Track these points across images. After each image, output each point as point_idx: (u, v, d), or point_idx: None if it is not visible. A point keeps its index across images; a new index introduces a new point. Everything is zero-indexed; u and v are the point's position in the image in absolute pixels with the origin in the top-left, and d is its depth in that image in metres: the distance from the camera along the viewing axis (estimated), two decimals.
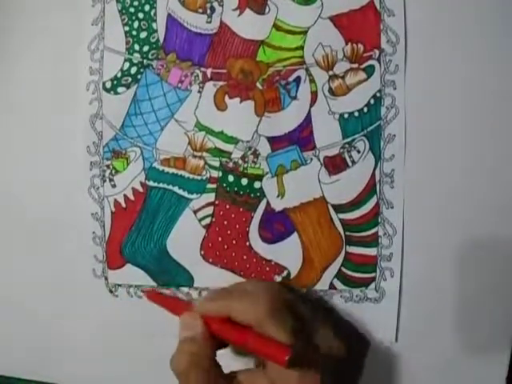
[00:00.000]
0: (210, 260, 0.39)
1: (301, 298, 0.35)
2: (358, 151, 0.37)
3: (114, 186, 0.40)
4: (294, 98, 0.37)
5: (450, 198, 0.37)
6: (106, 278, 0.40)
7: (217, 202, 0.39)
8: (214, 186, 0.39)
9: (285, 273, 0.38)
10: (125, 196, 0.40)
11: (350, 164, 0.37)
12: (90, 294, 0.40)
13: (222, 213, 0.39)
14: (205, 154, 0.39)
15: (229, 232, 0.39)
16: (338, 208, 0.38)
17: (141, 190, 0.39)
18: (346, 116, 0.37)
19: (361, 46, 0.37)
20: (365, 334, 0.37)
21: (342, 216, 0.38)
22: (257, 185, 0.38)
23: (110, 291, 0.40)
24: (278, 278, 0.38)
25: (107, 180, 0.40)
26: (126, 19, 0.39)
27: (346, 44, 0.37)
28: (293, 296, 0.34)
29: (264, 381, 0.30)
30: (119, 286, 0.40)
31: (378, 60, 0.37)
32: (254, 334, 0.30)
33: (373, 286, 0.37)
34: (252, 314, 0.30)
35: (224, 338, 0.32)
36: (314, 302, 0.37)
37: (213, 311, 0.32)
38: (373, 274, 0.37)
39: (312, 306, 0.33)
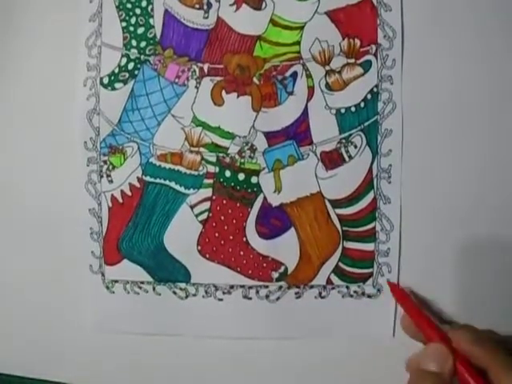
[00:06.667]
0: (207, 255, 0.39)
1: None
2: (355, 146, 0.37)
3: (111, 181, 0.40)
4: (291, 93, 0.37)
5: (447, 192, 0.36)
6: (103, 274, 0.40)
7: (214, 198, 0.39)
8: (210, 181, 0.39)
9: (282, 268, 0.38)
10: (122, 191, 0.39)
11: (346, 159, 0.37)
12: (86, 290, 0.40)
13: (218, 208, 0.39)
14: (202, 149, 0.38)
15: (226, 227, 0.39)
16: (335, 203, 0.38)
17: (138, 185, 0.39)
18: (342, 111, 0.37)
19: (357, 41, 0.37)
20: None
21: (339, 211, 0.38)
22: (254, 180, 0.38)
23: (107, 287, 0.40)
24: (275, 274, 0.38)
25: (104, 175, 0.40)
26: (124, 15, 0.39)
27: (343, 39, 0.37)
28: None
29: None
30: (116, 281, 0.40)
31: (375, 55, 0.37)
32: None
33: (370, 281, 0.37)
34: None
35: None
36: None
37: (475, 355, 0.30)
38: (370, 270, 0.37)
39: None
